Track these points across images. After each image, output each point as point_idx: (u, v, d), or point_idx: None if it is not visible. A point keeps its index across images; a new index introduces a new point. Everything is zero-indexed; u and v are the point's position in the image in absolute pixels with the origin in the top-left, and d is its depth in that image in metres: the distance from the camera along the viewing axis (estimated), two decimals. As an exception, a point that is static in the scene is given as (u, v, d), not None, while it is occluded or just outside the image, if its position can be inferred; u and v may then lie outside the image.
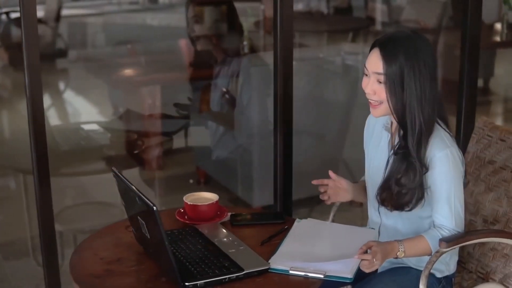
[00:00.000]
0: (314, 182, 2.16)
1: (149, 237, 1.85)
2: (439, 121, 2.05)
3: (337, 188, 2.17)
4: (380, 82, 1.98)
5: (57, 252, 2.39)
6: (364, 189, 2.26)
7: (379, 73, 1.97)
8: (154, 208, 1.71)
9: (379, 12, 6.25)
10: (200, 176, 3.74)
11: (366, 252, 1.92)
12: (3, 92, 5.77)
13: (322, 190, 2.17)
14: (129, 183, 1.86)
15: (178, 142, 3.63)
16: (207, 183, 3.72)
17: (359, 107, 3.33)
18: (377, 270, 2.19)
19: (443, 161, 2.00)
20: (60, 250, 3.02)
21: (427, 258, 2.06)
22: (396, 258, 1.99)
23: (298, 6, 7.43)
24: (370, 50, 2.02)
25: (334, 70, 3.85)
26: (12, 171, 3.34)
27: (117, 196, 3.38)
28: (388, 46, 1.96)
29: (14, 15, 5.94)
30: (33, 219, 3.24)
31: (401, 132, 2.03)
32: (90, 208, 3.42)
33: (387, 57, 1.95)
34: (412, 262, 2.14)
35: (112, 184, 3.78)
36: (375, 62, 1.98)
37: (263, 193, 3.33)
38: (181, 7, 7.99)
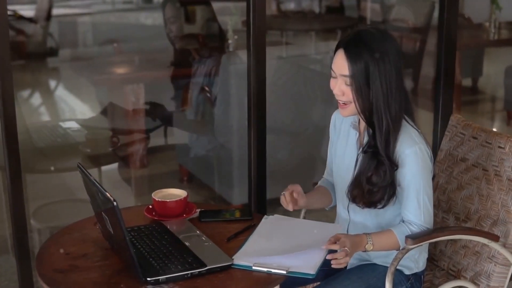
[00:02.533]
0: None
1: (112, 232, 1.86)
2: (406, 118, 2.05)
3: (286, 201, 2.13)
4: (347, 84, 1.97)
5: (33, 248, 2.39)
6: (320, 194, 2.25)
7: (345, 76, 1.97)
8: (115, 203, 1.71)
9: (371, 11, 6.25)
10: (183, 174, 3.75)
11: (334, 244, 1.91)
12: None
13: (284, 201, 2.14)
14: (92, 179, 1.86)
15: (158, 140, 3.63)
16: (190, 181, 3.72)
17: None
18: (345, 267, 2.20)
19: (412, 158, 2.00)
20: (38, 247, 3.04)
21: (394, 255, 2.07)
22: (365, 251, 1.99)
23: (291, 6, 7.45)
24: (335, 51, 2.01)
25: (317, 68, 3.85)
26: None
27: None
28: (352, 47, 1.95)
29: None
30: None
31: (370, 130, 2.03)
32: (69, 205, 3.42)
33: (351, 59, 1.94)
34: (379, 259, 2.14)
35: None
36: (340, 64, 1.97)
37: (243, 190, 3.33)
38: (175, 7, 8.00)
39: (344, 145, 2.17)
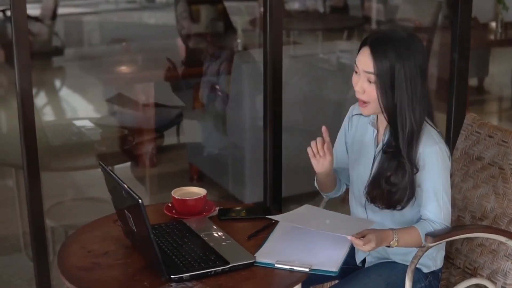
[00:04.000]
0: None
1: (135, 230, 1.86)
2: (426, 118, 2.06)
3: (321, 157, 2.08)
4: (370, 82, 1.98)
5: (47, 247, 2.40)
6: (331, 178, 2.20)
7: (369, 72, 1.97)
8: (140, 200, 1.72)
9: (375, 11, 6.26)
10: (193, 172, 3.75)
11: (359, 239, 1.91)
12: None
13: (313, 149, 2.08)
14: (116, 177, 1.87)
15: (170, 139, 3.64)
16: (200, 180, 3.73)
17: (350, 103, 3.35)
18: (363, 264, 2.21)
19: (432, 157, 2.01)
20: (51, 245, 3.04)
21: (413, 253, 2.08)
22: (389, 246, 1.99)
23: (295, 5, 7.45)
24: (361, 47, 2.01)
25: (327, 68, 3.86)
26: (3, 167, 3.35)
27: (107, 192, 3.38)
28: (379, 45, 1.95)
29: (9, 14, 5.95)
30: (25, 214, 3.26)
31: (391, 130, 2.03)
32: (82, 204, 3.43)
33: (377, 57, 1.94)
34: (398, 257, 2.15)
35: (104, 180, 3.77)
36: (365, 61, 1.97)
37: (255, 189, 3.34)
38: (178, 6, 8.01)
39: (361, 141, 2.17)
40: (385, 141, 2.08)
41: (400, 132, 1.98)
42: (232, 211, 2.19)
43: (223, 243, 1.96)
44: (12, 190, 3.14)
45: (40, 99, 5.22)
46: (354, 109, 2.22)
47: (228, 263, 1.84)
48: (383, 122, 2.09)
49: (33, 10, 5.56)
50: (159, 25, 7.74)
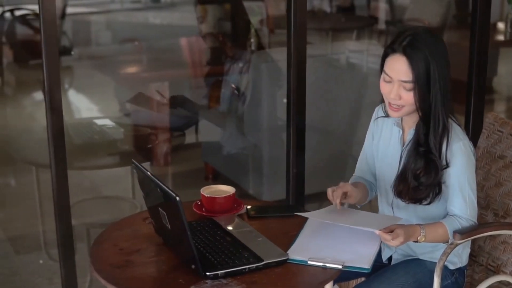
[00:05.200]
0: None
1: (170, 227, 1.88)
2: (450, 115, 2.09)
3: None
4: (407, 89, 1.98)
5: (74, 246, 2.41)
6: (361, 190, 2.23)
7: (406, 81, 1.97)
8: (177, 198, 1.73)
9: (382, 11, 6.29)
10: (208, 171, 3.77)
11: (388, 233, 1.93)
12: (8, 89, 5.79)
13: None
14: (150, 175, 1.88)
15: (187, 138, 3.65)
16: (215, 179, 3.74)
17: (368, 104, 3.37)
18: (390, 262, 2.23)
19: (457, 153, 2.03)
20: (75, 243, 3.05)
21: (440, 250, 2.10)
22: (416, 241, 2.01)
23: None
24: (389, 54, 1.99)
25: (341, 67, 3.88)
26: (23, 165, 3.36)
27: (125, 190, 3.40)
28: (412, 51, 1.95)
29: (18, 13, 5.96)
30: (46, 213, 3.27)
31: (422, 128, 2.04)
32: (99, 202, 3.44)
33: (413, 64, 1.94)
34: (424, 255, 2.17)
35: (120, 178, 3.78)
36: (401, 70, 1.96)
37: (272, 188, 3.36)
38: (182, 6, 8.03)
39: (387, 141, 2.19)
40: (410, 140, 2.10)
41: (432, 130, 2.01)
42: (260, 209, 2.21)
43: (255, 241, 1.97)
44: (32, 188, 3.15)
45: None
46: (378, 111, 2.24)
47: (262, 260, 1.86)
48: (408, 122, 2.11)
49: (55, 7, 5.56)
50: (164, 25, 7.75)
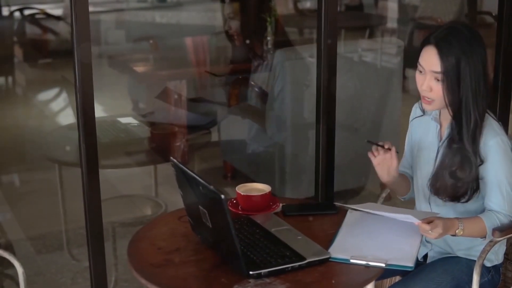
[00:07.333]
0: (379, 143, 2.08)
1: (211, 226, 1.86)
2: (487, 110, 2.08)
3: (385, 161, 2.10)
4: (438, 80, 1.99)
5: (104, 246, 2.39)
6: (404, 179, 2.25)
7: (436, 72, 1.99)
8: (222, 196, 1.72)
9: (392, 10, 6.28)
10: (227, 170, 3.75)
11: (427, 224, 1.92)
12: (18, 88, 5.78)
13: (374, 152, 2.10)
14: (190, 173, 1.87)
15: (207, 136, 3.63)
16: (234, 178, 3.72)
17: (393, 100, 3.37)
18: (426, 260, 2.22)
19: (495, 148, 2.03)
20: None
21: (476, 247, 2.09)
22: (454, 235, 2.00)
23: (307, 5, 7.46)
24: (424, 46, 2.02)
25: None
26: (44, 163, 3.33)
27: (144, 189, 3.37)
28: (444, 43, 1.97)
29: (27, 12, 5.94)
30: (68, 212, 3.26)
31: (455, 125, 2.04)
32: (120, 201, 3.42)
33: (443, 55, 1.96)
34: (462, 252, 2.17)
35: (137, 177, 3.76)
36: (431, 61, 1.99)
37: (295, 186, 3.35)
38: (189, 5, 8.01)
39: (424, 137, 2.19)
40: (448, 135, 2.10)
41: (464, 126, 2.01)
42: (296, 207, 2.20)
43: (295, 239, 1.96)
44: (54, 187, 3.13)
45: (63, 98, 5.22)
46: (416, 110, 2.24)
47: (305, 259, 1.84)
48: (446, 117, 2.11)
49: (55, 9, 5.56)
50: (172, 24, 7.73)
